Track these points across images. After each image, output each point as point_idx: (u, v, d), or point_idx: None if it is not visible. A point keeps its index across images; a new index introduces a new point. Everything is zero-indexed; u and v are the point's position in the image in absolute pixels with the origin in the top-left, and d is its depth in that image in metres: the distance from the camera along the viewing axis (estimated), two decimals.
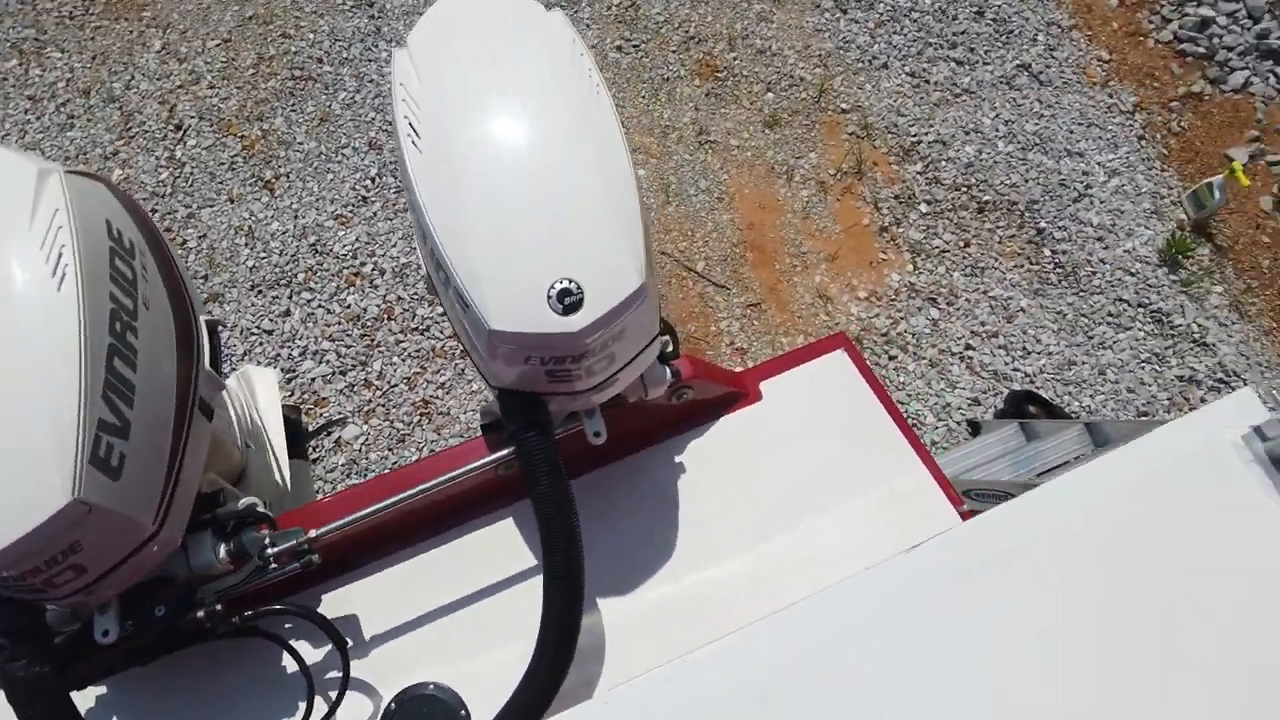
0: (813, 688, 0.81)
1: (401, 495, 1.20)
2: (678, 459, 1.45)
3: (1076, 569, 0.92)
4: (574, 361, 1.05)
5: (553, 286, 1.00)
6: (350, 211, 3.26)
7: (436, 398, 2.88)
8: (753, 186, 3.42)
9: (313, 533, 1.16)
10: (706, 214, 3.33)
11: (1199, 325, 3.46)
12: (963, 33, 3.93)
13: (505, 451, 1.20)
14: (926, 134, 3.64)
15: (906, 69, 3.81)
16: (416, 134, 1.07)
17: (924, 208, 3.47)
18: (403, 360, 2.96)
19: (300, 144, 3.41)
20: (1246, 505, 0.96)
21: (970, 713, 0.84)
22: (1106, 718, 0.85)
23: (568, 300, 1.00)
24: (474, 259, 1.02)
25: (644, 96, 3.57)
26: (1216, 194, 3.62)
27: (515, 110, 1.07)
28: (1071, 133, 3.79)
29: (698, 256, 3.24)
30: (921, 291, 3.28)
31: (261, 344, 3.02)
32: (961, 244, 3.43)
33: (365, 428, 2.83)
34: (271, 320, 3.05)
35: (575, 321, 1.01)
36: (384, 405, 2.90)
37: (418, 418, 2.83)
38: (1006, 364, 3.17)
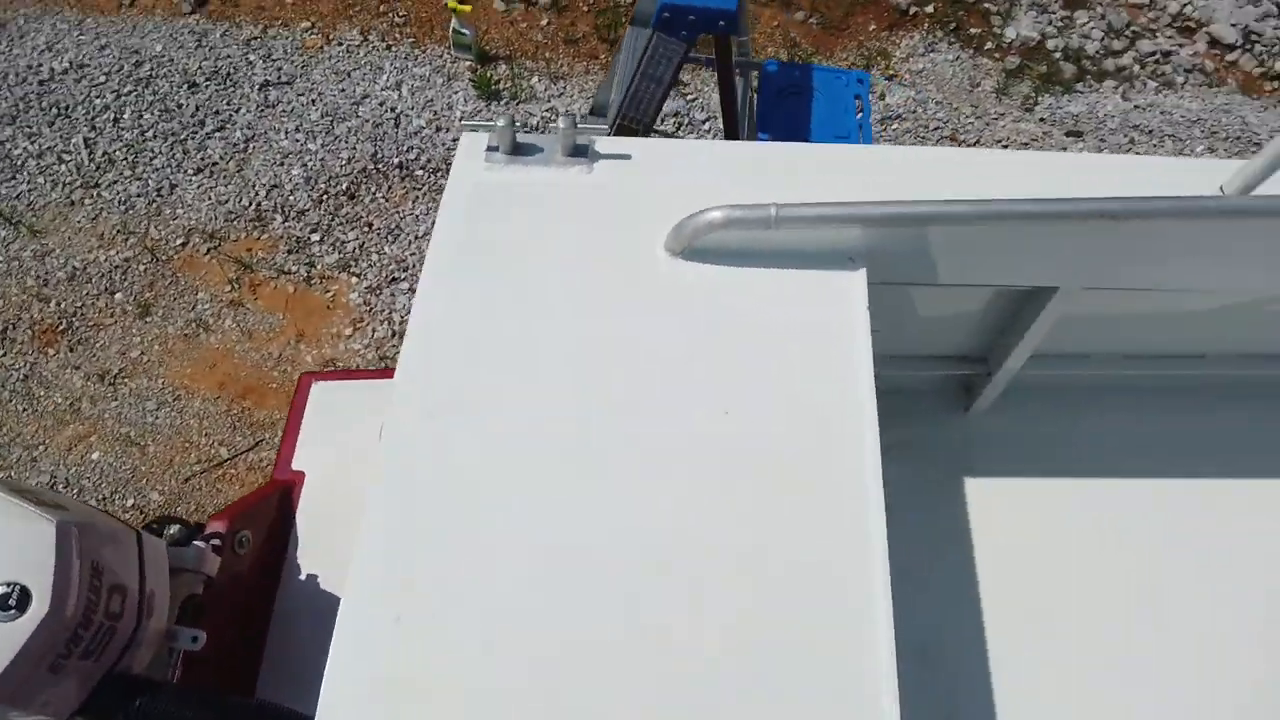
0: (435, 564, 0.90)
1: None
2: (302, 576, 1.45)
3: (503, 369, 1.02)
4: (85, 628, 1.01)
5: None
6: None
7: None
8: (191, 361, 3.27)
9: None
10: (181, 419, 3.15)
11: (552, 109, 4.02)
12: (195, 110, 3.96)
13: None
14: (256, 195, 3.69)
15: (190, 170, 3.78)
16: None
17: (315, 236, 3.57)
18: None
19: None
20: (535, 196, 1.15)
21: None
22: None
23: (12, 599, 0.95)
24: None
25: (24, 409, 3.20)
26: (465, 31, 4.16)
27: None
28: (342, 91, 4.06)
29: (213, 448, 3.08)
30: (380, 287, 3.43)
31: None
32: (366, 227, 3.60)
33: None
34: None
35: (39, 606, 0.96)
36: None
37: None
38: None
